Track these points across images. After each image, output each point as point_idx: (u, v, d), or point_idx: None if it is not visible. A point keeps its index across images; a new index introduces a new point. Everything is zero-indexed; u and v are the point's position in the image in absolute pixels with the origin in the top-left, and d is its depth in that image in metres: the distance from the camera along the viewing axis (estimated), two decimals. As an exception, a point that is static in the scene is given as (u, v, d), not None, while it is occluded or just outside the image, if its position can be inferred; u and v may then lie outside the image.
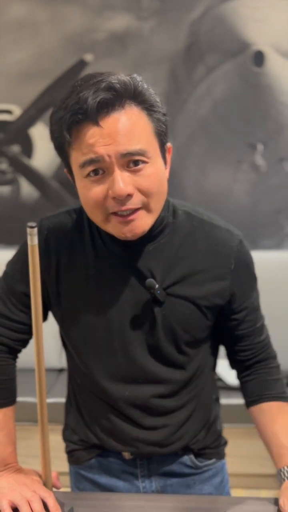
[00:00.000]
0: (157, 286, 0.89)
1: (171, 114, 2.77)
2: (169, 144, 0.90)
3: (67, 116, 0.80)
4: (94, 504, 0.89)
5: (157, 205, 0.86)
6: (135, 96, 0.81)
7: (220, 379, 2.34)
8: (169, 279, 0.92)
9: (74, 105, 0.79)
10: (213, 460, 1.07)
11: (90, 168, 0.81)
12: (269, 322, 2.50)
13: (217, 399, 1.12)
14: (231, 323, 0.99)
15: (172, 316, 0.93)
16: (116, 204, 0.82)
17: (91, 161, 0.81)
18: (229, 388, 2.28)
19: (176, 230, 0.93)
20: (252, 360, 1.02)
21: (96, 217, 0.86)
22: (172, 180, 2.81)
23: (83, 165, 0.82)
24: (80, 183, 0.85)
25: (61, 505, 0.88)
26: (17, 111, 2.78)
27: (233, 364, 1.05)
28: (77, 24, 2.71)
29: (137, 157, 0.81)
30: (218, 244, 0.93)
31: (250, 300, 0.98)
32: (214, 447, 1.06)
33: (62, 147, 0.85)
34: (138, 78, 0.83)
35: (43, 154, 2.82)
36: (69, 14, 2.70)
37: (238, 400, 2.14)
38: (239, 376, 1.05)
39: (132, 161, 0.81)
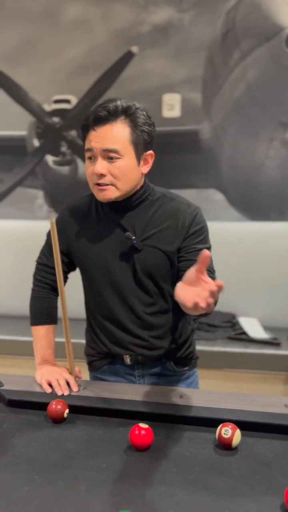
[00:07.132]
0: (133, 237, 1.32)
1: (208, 97, 3.00)
2: (151, 152, 1.32)
3: (83, 123, 1.29)
4: (101, 387, 1.32)
5: (124, 186, 1.29)
6: (127, 116, 1.26)
7: (244, 333, 2.67)
8: (145, 234, 1.34)
9: (85, 119, 1.29)
10: (187, 368, 1.47)
11: (88, 154, 1.29)
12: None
13: (193, 330, 1.51)
14: (181, 259, 1.33)
15: (148, 259, 1.34)
16: (97, 178, 1.28)
17: (88, 150, 1.29)
18: (250, 340, 2.62)
19: (153, 204, 1.36)
20: None
21: (90, 184, 1.32)
22: (208, 157, 3.07)
23: (86, 151, 1.30)
24: (85, 163, 1.32)
25: (79, 387, 1.33)
26: (74, 100, 3.10)
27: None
28: (124, 19, 2.96)
29: (111, 154, 1.25)
30: (179, 212, 1.35)
31: (197, 247, 1.31)
32: (188, 359, 1.47)
33: (83, 141, 1.32)
34: (137, 105, 1.28)
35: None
36: (118, 10, 2.96)
37: (256, 350, 2.49)
38: None
39: (109, 155, 1.24)
